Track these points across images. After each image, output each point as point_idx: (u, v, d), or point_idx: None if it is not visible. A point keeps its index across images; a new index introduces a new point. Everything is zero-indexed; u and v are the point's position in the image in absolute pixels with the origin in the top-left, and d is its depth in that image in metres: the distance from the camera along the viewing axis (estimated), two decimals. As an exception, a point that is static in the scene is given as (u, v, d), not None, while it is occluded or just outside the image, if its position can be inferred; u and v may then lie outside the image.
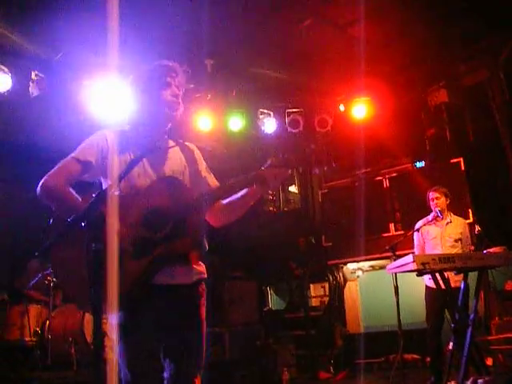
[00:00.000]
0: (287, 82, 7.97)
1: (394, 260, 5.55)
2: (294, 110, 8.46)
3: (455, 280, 5.43)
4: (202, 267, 2.65)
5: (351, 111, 8.46)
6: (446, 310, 5.68)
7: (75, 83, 6.91)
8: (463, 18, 6.64)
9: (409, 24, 6.77)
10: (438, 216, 5.99)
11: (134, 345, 2.40)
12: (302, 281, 9.32)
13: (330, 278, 9.21)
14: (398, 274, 5.70)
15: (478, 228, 6.66)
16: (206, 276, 2.66)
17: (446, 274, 4.77)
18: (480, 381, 4.24)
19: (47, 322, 6.32)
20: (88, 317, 6.21)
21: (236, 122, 8.28)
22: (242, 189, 2.60)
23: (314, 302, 9.40)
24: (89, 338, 6.14)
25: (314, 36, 6.90)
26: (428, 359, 6.35)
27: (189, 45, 6.54)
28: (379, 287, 8.25)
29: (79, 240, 2.08)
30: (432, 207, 6.10)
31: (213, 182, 2.81)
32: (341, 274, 9.23)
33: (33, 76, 6.65)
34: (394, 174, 8.61)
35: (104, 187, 2.57)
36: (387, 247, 6.03)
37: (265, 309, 9.84)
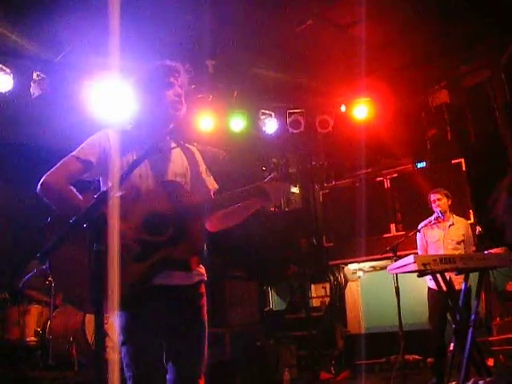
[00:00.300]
0: (288, 82, 7.98)
1: (395, 261, 5.55)
2: (295, 110, 8.47)
3: (459, 282, 5.43)
4: (202, 269, 2.66)
5: (352, 112, 8.46)
6: (447, 312, 5.70)
7: (76, 83, 6.92)
8: (464, 18, 6.64)
9: (410, 24, 6.77)
10: (439, 217, 5.99)
11: (137, 346, 2.39)
12: (303, 281, 9.32)
13: (331, 278, 9.21)
14: (399, 275, 5.70)
15: (479, 229, 6.67)
16: (205, 278, 2.66)
17: (448, 275, 4.77)
18: (481, 382, 4.22)
19: (48, 322, 6.32)
20: (89, 317, 6.21)
21: (237, 123, 8.29)
22: (243, 200, 2.62)
23: (315, 303, 9.40)
24: (90, 338, 6.14)
25: (315, 37, 6.91)
26: (429, 360, 6.35)
27: (190, 45, 6.54)
28: (380, 288, 8.25)
29: (79, 241, 2.08)
30: (433, 209, 6.09)
31: (212, 184, 2.81)
32: (342, 275, 9.23)
33: (34, 76, 6.66)
34: (395, 175, 8.62)
35: (103, 187, 2.58)
36: (388, 248, 6.03)
37: (266, 309, 9.84)
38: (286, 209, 10.20)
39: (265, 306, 9.90)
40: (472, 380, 4.02)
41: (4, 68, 6.37)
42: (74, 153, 2.55)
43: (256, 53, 7.14)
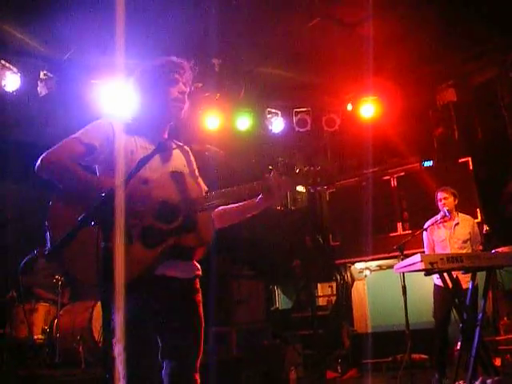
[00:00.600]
0: (295, 81, 7.97)
1: (402, 259, 5.54)
2: (301, 109, 8.47)
3: (466, 281, 5.42)
4: (197, 264, 2.66)
5: (359, 110, 8.45)
6: (453, 309, 5.69)
7: (83, 82, 6.94)
8: (471, 16, 6.62)
9: (416, 23, 6.75)
10: (446, 216, 5.98)
11: (134, 344, 2.35)
12: (309, 280, 9.31)
13: (338, 277, 9.21)
14: (405, 274, 5.69)
15: (486, 227, 6.65)
16: (201, 273, 2.66)
17: (455, 274, 4.76)
18: (489, 381, 4.22)
19: (55, 320, 6.34)
20: (96, 315, 6.23)
21: (244, 122, 8.30)
22: (247, 197, 2.59)
23: (322, 302, 9.40)
24: (97, 336, 6.16)
25: (321, 35, 6.90)
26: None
27: (197, 44, 6.54)
28: (387, 287, 8.24)
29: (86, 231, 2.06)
30: (440, 207, 6.08)
31: (203, 185, 2.82)
32: (348, 274, 9.22)
33: (41, 75, 6.69)
34: (402, 174, 8.59)
35: (100, 175, 2.55)
36: (395, 247, 6.02)
37: (272, 308, 9.84)
38: (293, 208, 10.19)
39: (271, 305, 9.90)
40: (480, 379, 4.01)
41: (11, 67, 6.40)
42: (76, 135, 2.51)
43: (262, 51, 7.14)
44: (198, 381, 2.53)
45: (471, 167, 7.82)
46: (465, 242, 5.98)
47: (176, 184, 2.52)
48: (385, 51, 7.06)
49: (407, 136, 8.58)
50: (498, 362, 6.30)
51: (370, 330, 8.68)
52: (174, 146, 2.72)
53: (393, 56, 7.33)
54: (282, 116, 8.52)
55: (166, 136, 2.73)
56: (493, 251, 4.87)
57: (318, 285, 9.53)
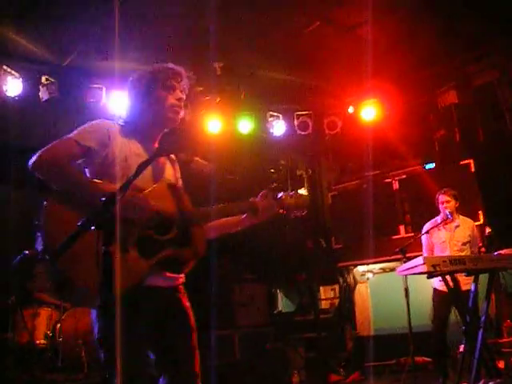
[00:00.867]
0: (296, 84, 7.98)
1: (404, 262, 5.53)
2: (303, 112, 8.48)
3: (465, 283, 5.42)
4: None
5: (360, 113, 8.46)
6: (452, 312, 5.71)
7: (85, 87, 6.96)
8: (472, 18, 6.61)
9: (417, 25, 6.75)
10: (448, 218, 5.97)
11: (124, 355, 2.25)
12: (312, 283, 9.30)
13: (340, 280, 9.19)
14: (408, 277, 5.68)
15: (488, 230, 6.63)
16: (184, 280, 2.66)
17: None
18: (490, 383, 4.21)
19: (58, 325, 6.34)
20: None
21: (245, 125, 8.31)
22: (235, 214, 2.69)
23: (324, 305, 9.37)
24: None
25: (322, 38, 6.91)
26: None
27: (197, 48, 6.56)
28: (390, 289, 8.21)
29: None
30: (441, 210, 6.07)
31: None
32: (351, 276, 9.20)
33: (43, 80, 6.71)
34: (404, 176, 8.57)
35: (88, 176, 2.52)
36: (397, 249, 6.01)
37: (275, 311, 9.83)
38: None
39: (274, 308, 9.88)
40: (481, 382, 4.00)
41: (13, 72, 6.42)
42: (72, 136, 2.46)
43: (263, 55, 7.15)
44: None
45: (473, 169, 7.80)
46: (464, 244, 5.98)
47: (171, 195, 2.53)
48: (385, 54, 7.07)
49: (409, 138, 8.58)
50: (501, 364, 6.27)
51: (372, 333, 8.65)
52: (165, 151, 2.71)
53: (393, 58, 7.33)
54: (283, 119, 8.53)
55: (156, 145, 2.70)
56: (495, 253, 4.86)
57: (321, 288, 9.51)
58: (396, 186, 8.58)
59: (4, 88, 6.36)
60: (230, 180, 8.38)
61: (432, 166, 8.44)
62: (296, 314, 9.39)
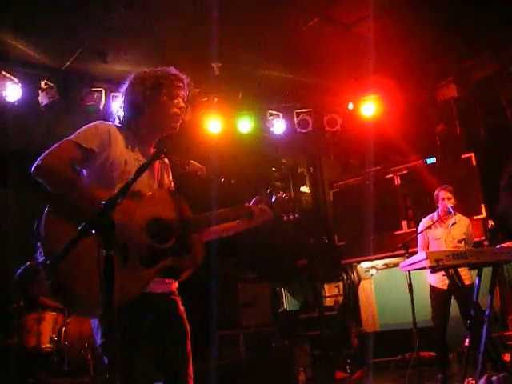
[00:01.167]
0: (295, 82, 7.97)
1: (408, 257, 5.53)
2: (302, 110, 8.47)
3: (465, 278, 5.45)
4: None
5: (360, 109, 8.45)
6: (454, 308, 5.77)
7: (84, 91, 6.96)
8: (470, 11, 6.60)
9: (416, 20, 6.74)
10: (450, 213, 5.95)
11: (128, 354, 2.30)
12: (316, 281, 9.30)
13: (344, 277, 9.19)
14: (412, 272, 5.68)
15: (491, 223, 6.63)
16: (178, 285, 2.67)
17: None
18: (494, 378, 4.20)
19: (63, 329, 6.35)
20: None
21: (245, 124, 8.31)
22: (231, 219, 2.73)
23: (329, 302, 9.38)
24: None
25: (321, 35, 6.90)
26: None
27: (196, 48, 6.56)
28: (394, 285, 8.22)
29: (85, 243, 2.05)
30: (442, 206, 6.04)
31: None
32: (355, 273, 9.21)
33: (42, 85, 6.71)
34: (405, 172, 8.57)
35: (88, 180, 2.50)
36: (400, 245, 6.01)
37: (279, 310, 9.83)
38: (297, 209, 10.16)
39: (278, 307, 9.88)
40: (485, 376, 3.99)
41: (12, 77, 6.42)
42: (73, 138, 2.43)
43: (262, 53, 7.15)
44: None
45: (474, 163, 7.79)
46: (460, 241, 5.99)
47: (172, 202, 2.54)
48: (384, 49, 7.06)
49: (409, 133, 8.57)
50: (507, 357, 6.27)
51: (377, 329, 8.67)
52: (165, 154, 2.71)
53: (392, 54, 7.33)
54: (283, 117, 8.53)
55: (152, 149, 2.69)
56: (498, 246, 4.85)
57: (325, 285, 9.52)
58: (397, 181, 8.58)
59: (3, 93, 6.37)
60: (231, 179, 8.38)
61: (433, 160, 8.44)
62: (301, 312, 9.40)
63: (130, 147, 2.56)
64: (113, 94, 6.95)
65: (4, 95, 6.38)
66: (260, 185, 8.61)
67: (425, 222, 6.21)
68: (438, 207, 6.15)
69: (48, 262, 1.81)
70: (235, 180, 8.41)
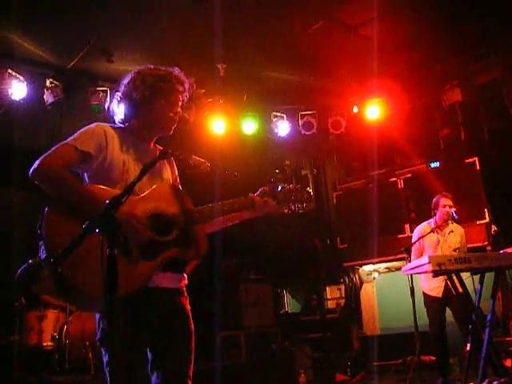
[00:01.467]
0: (300, 84, 7.97)
1: (410, 261, 5.53)
2: (307, 112, 8.47)
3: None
4: (185, 274, 2.68)
5: (365, 112, 8.44)
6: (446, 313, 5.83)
7: (89, 90, 6.98)
8: (476, 15, 6.60)
9: (421, 24, 6.73)
10: (454, 219, 5.94)
11: (123, 357, 2.28)
12: (318, 283, 9.30)
13: (346, 279, 9.19)
14: (414, 276, 5.68)
15: (494, 228, 6.61)
16: (187, 282, 2.68)
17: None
18: (495, 383, 4.20)
19: (64, 327, 6.36)
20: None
21: (250, 126, 8.31)
22: (236, 211, 2.73)
23: (330, 305, 9.38)
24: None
25: (326, 38, 6.89)
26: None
27: (201, 49, 6.57)
28: (395, 289, 8.21)
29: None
30: (441, 213, 6.03)
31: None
32: (357, 276, 9.20)
33: (47, 83, 6.73)
34: (409, 175, 8.56)
35: (89, 182, 2.54)
36: (403, 248, 6.00)
37: (281, 311, 9.83)
38: (300, 211, 10.16)
39: (280, 309, 9.89)
40: (486, 381, 3.98)
41: (18, 76, 6.44)
42: (70, 141, 2.47)
43: (267, 55, 7.14)
44: None
45: (478, 167, 7.77)
46: (454, 250, 5.98)
47: (173, 196, 2.55)
48: (389, 53, 7.06)
49: (413, 137, 8.56)
50: (508, 362, 6.26)
51: (379, 333, 8.66)
52: (170, 154, 2.72)
53: (397, 57, 7.32)
54: (287, 119, 8.53)
55: (152, 145, 2.74)
56: (501, 251, 4.85)
57: (327, 288, 9.51)
58: (401, 184, 8.57)
59: (9, 91, 6.38)
60: (235, 179, 8.38)
61: (437, 164, 8.42)
62: (302, 314, 9.40)
63: (127, 146, 2.60)
64: (117, 93, 6.96)
65: (10, 93, 6.39)
66: (263, 185, 8.60)
67: (422, 228, 6.18)
68: (435, 214, 6.13)
69: (53, 259, 1.81)
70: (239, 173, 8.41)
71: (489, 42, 7.33)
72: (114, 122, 2.74)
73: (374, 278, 9.09)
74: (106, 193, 2.34)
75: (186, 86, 2.70)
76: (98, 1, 5.63)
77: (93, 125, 2.59)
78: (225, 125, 8.13)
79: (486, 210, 7.52)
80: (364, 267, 9.05)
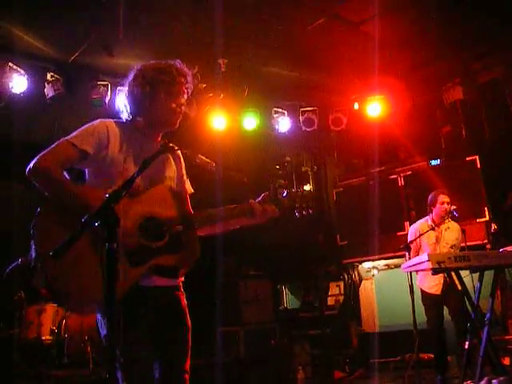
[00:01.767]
0: (301, 80, 7.96)
1: (409, 259, 5.53)
2: (308, 108, 8.46)
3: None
4: None
5: (366, 109, 8.43)
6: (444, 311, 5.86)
7: (90, 84, 6.97)
8: (478, 14, 6.58)
9: (423, 21, 6.72)
10: (454, 217, 5.93)
11: (127, 356, 2.30)
12: (317, 280, 9.31)
13: (346, 276, 9.19)
14: (413, 273, 5.68)
15: (494, 226, 6.61)
16: (183, 279, 2.67)
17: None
18: (495, 381, 4.19)
19: (63, 321, 6.38)
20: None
21: (250, 121, 8.31)
22: (234, 217, 2.68)
23: (330, 301, 9.38)
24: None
25: (327, 34, 6.88)
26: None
27: (202, 44, 6.56)
28: (395, 286, 8.21)
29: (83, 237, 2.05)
30: (439, 210, 6.01)
31: (189, 188, 2.85)
32: (356, 273, 9.20)
33: (48, 77, 6.72)
34: (409, 173, 8.55)
35: (91, 179, 2.54)
36: (402, 246, 6.00)
37: (280, 308, 9.84)
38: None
39: (279, 305, 9.89)
40: (486, 379, 3.98)
41: (18, 69, 6.43)
42: (69, 138, 2.47)
43: (268, 51, 7.13)
44: (188, 382, 2.53)
45: (479, 166, 7.76)
46: (451, 247, 5.98)
47: (171, 199, 2.53)
48: (391, 50, 7.05)
49: (414, 135, 8.55)
50: (506, 361, 6.27)
51: (377, 330, 8.66)
52: (169, 148, 2.70)
53: (399, 54, 7.31)
54: (288, 115, 8.52)
55: (159, 141, 2.71)
56: (501, 250, 4.84)
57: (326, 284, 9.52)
58: (401, 182, 8.56)
59: (10, 85, 6.38)
60: (235, 177, 8.38)
61: (437, 162, 8.41)
62: (301, 311, 9.41)
63: (130, 143, 2.58)
64: (118, 88, 6.95)
65: (10, 87, 6.39)
66: (263, 182, 8.61)
67: (419, 226, 6.17)
68: (431, 211, 6.11)
69: (53, 251, 1.81)
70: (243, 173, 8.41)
71: (491, 40, 7.32)
72: (119, 118, 2.72)
73: (374, 275, 9.09)
74: (98, 194, 2.31)
75: (189, 78, 2.68)
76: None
77: (96, 122, 2.57)
78: (225, 120, 8.12)
79: (486, 208, 7.52)
80: (363, 264, 9.05)
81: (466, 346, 5.19)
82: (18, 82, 6.43)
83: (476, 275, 5.04)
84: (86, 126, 2.54)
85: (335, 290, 9.41)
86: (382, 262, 8.82)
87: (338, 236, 9.13)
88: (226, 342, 7.60)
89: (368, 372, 7.70)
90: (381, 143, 8.41)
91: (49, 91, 6.72)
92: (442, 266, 4.30)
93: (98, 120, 2.59)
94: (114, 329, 1.91)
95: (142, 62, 2.74)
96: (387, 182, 8.67)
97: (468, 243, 6.28)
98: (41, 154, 2.40)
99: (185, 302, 2.63)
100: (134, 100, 2.64)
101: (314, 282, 9.47)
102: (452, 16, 6.63)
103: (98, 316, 2.46)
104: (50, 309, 6.48)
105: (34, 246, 2.26)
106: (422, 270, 4.98)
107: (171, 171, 2.72)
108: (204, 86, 7.34)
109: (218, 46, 6.48)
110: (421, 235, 6.02)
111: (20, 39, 6.28)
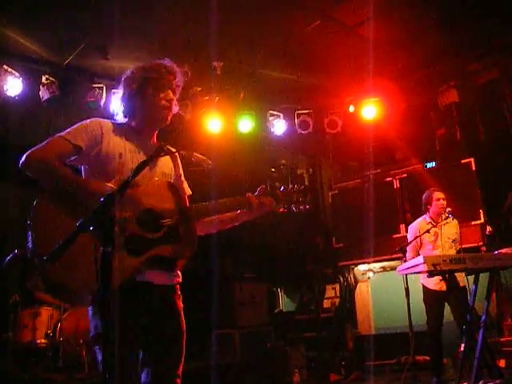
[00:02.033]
0: (296, 83, 7.96)
1: (405, 261, 5.54)
2: (303, 111, 8.47)
3: (460, 280, 5.47)
4: (179, 272, 2.67)
5: (361, 112, 8.45)
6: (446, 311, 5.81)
7: (85, 86, 6.96)
8: (473, 16, 6.60)
9: (418, 23, 6.74)
10: (448, 216, 5.95)
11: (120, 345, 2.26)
12: (313, 282, 9.30)
13: (341, 279, 9.18)
14: (408, 276, 5.68)
15: (489, 228, 6.63)
16: (181, 280, 2.67)
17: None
18: (490, 384, 4.21)
19: (58, 325, 6.35)
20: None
21: (246, 124, 8.30)
22: (231, 210, 2.70)
23: (325, 304, 9.37)
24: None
25: (323, 37, 6.89)
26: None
27: (197, 47, 6.55)
28: (390, 288, 8.22)
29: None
30: (435, 206, 6.05)
31: (187, 190, 2.87)
32: (352, 276, 9.21)
33: (43, 80, 6.70)
34: (404, 175, 8.56)
35: (86, 175, 2.55)
36: (398, 248, 6.01)
37: (276, 310, 9.83)
38: (296, 210, 10.15)
39: (275, 307, 9.89)
40: (481, 382, 3.99)
41: (13, 72, 6.41)
42: (63, 134, 2.50)
43: (264, 54, 7.14)
44: None
45: (474, 168, 7.79)
46: (453, 241, 6.01)
47: (168, 192, 2.54)
48: (386, 52, 7.06)
49: (409, 137, 8.57)
50: (502, 363, 6.27)
51: (373, 332, 8.66)
52: (165, 151, 2.72)
53: (394, 57, 7.33)
54: (283, 118, 8.52)
55: (154, 140, 2.74)
56: (496, 252, 4.85)
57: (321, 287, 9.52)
58: (397, 184, 8.57)
59: (4, 87, 6.36)
60: (231, 178, 8.37)
61: (433, 164, 8.43)
62: (297, 313, 9.40)
63: (125, 140, 2.61)
64: (113, 90, 6.95)
65: (5, 89, 6.37)
66: (259, 185, 8.60)
67: (418, 225, 6.18)
68: (427, 209, 6.14)
69: (46, 257, 1.80)
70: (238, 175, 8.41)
71: (486, 43, 7.34)
72: (115, 120, 2.76)
73: (369, 278, 9.10)
74: (100, 185, 2.36)
75: (178, 75, 2.71)
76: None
77: (88, 120, 2.61)
78: (221, 123, 8.11)
79: (481, 210, 7.54)
80: (359, 267, 9.06)
81: (462, 349, 5.21)
82: (13, 85, 6.42)
83: (471, 278, 5.05)
84: (79, 123, 2.58)
85: (331, 292, 9.41)
86: (378, 265, 8.83)
87: (333, 238, 9.14)
88: (222, 345, 7.59)
89: (364, 375, 7.70)
90: (376, 146, 8.43)
91: (44, 94, 6.70)
92: (438, 268, 4.31)
93: (93, 118, 2.63)
94: (108, 326, 1.90)
95: (137, 63, 2.77)
96: (383, 184, 8.68)
97: (463, 245, 6.31)
98: (34, 148, 2.43)
99: (181, 305, 2.62)
100: (126, 100, 2.69)
101: (309, 285, 9.47)
102: (447, 18, 6.65)
103: (90, 313, 2.45)
104: (45, 312, 6.45)
105: (30, 237, 2.27)
106: (418, 273, 4.99)
107: (167, 169, 2.74)
108: (199, 89, 7.33)
109: (213, 48, 6.48)
110: (422, 234, 6.04)
111: (15, 41, 6.26)
